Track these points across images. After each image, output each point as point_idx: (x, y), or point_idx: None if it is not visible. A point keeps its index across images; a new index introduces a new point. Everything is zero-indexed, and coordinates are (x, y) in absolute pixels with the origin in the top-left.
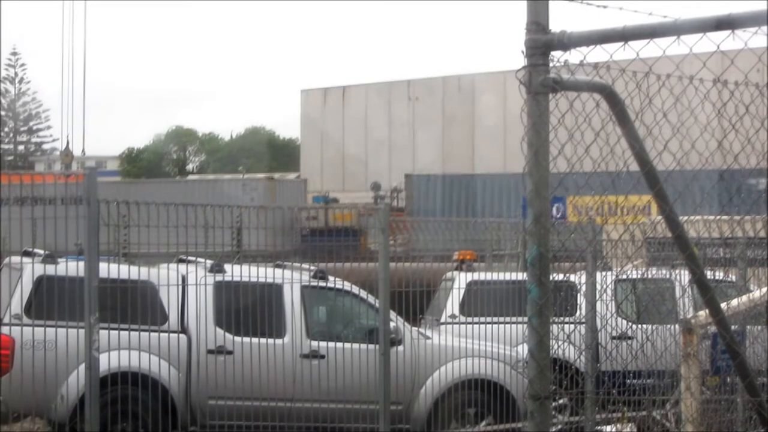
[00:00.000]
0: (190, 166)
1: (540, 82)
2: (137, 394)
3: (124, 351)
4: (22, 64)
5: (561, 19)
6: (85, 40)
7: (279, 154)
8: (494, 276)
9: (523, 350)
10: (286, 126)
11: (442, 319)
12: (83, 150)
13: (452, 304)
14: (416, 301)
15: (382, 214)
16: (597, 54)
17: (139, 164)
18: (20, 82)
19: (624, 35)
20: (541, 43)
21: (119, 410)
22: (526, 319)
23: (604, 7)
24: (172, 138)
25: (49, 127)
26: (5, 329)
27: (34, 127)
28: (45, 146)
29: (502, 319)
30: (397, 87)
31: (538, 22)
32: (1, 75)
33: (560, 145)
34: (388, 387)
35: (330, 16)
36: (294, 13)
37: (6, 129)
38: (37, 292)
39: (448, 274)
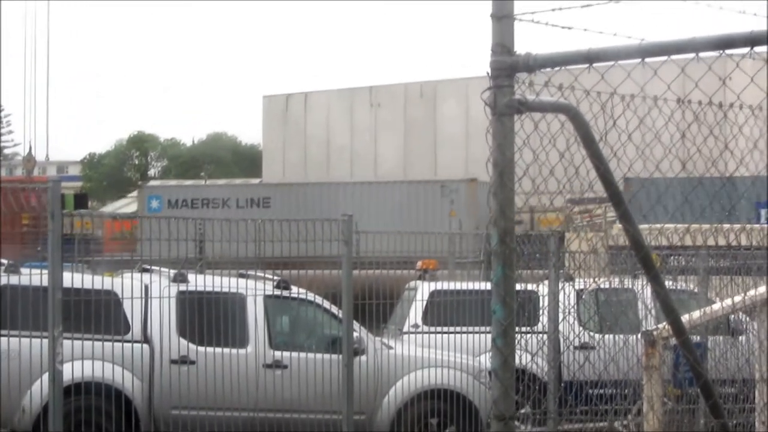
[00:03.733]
0: (152, 171)
1: (505, 103)
2: (100, 404)
3: (87, 361)
4: None
5: (526, 41)
6: (48, 43)
7: (241, 160)
8: (457, 285)
9: (486, 360)
10: (249, 132)
11: (405, 329)
12: (47, 155)
13: (415, 314)
14: (379, 311)
15: (345, 225)
16: (562, 74)
17: (100, 170)
18: None
19: (589, 57)
20: (507, 65)
21: (82, 420)
22: (488, 328)
23: (569, 28)
24: (134, 143)
25: (10, 132)
26: None
27: None
28: (6, 151)
29: (464, 328)
30: (359, 93)
31: (503, 44)
32: None
33: (525, 165)
34: (351, 397)
35: (292, 22)
36: (256, 18)
37: None
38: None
39: (411, 284)
